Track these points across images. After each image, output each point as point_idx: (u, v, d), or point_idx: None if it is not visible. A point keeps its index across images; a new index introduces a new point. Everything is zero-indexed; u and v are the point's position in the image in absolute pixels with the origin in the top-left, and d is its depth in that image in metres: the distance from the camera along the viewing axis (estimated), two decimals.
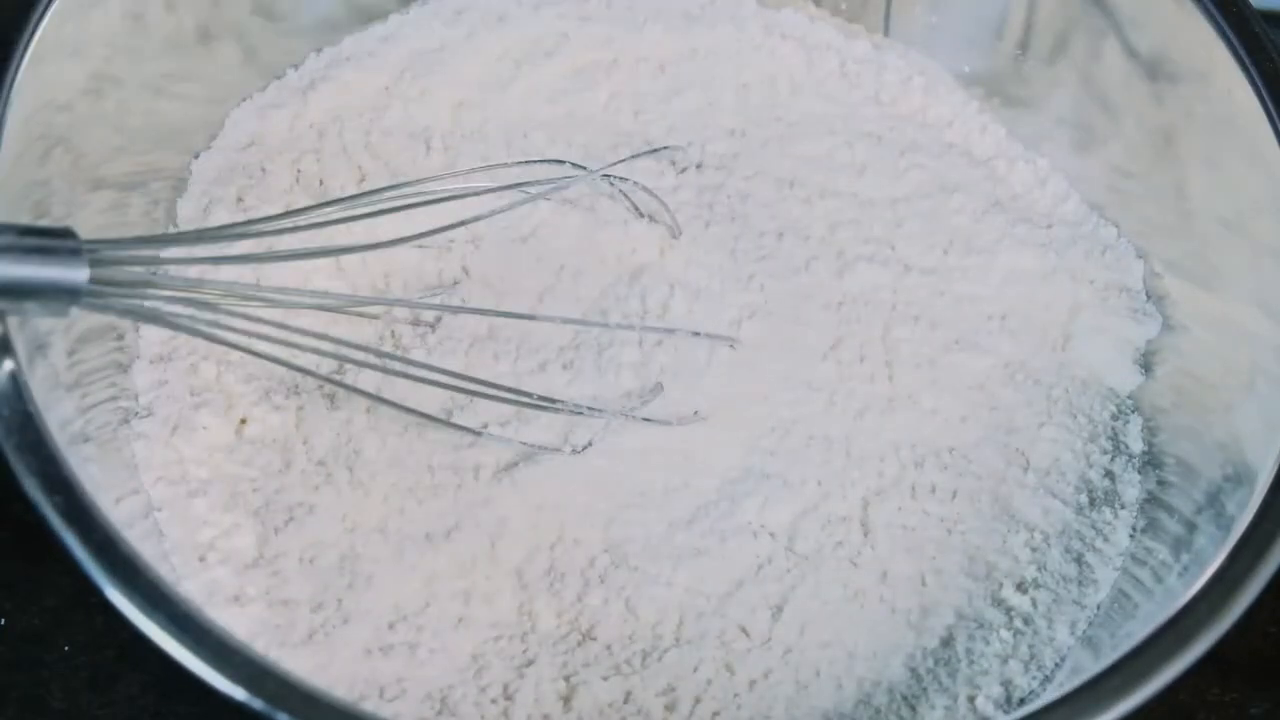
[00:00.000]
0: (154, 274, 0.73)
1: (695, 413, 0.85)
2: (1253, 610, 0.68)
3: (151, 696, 0.81)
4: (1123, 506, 0.85)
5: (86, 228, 0.68)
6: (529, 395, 0.82)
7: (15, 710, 0.80)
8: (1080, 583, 0.82)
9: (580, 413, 0.83)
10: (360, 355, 0.81)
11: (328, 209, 0.82)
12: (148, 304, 0.71)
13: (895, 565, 0.82)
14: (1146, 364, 0.90)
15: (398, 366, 0.81)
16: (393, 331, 0.87)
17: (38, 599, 0.83)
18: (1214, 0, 0.85)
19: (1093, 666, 0.68)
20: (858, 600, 0.81)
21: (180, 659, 0.62)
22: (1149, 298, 0.92)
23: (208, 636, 0.62)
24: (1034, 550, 0.83)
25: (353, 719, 0.63)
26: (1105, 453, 0.87)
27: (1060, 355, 0.90)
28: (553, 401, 0.83)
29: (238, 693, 0.61)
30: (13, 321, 0.68)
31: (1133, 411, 0.89)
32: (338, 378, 0.83)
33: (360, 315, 0.87)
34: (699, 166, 0.95)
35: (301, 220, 0.80)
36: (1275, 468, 0.73)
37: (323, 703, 0.62)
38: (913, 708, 0.78)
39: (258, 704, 0.61)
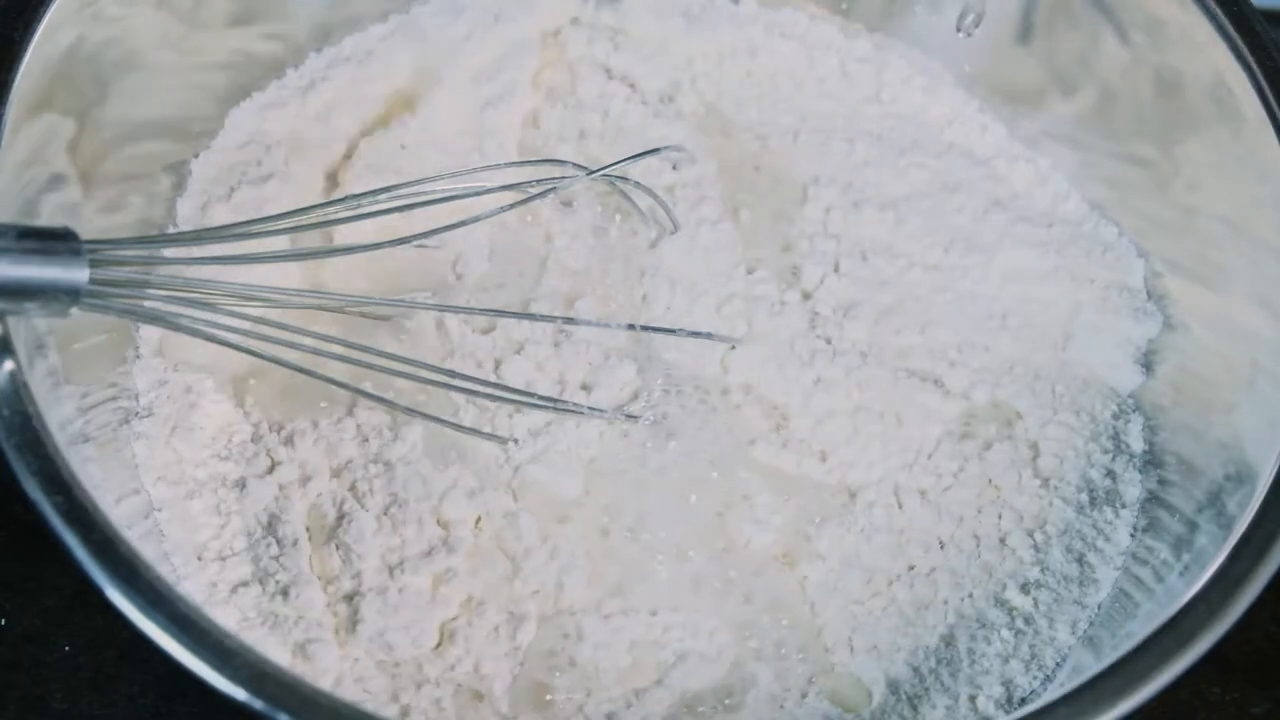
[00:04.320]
0: (154, 274, 0.73)
1: (696, 410, 0.86)
2: (1254, 609, 0.68)
3: (152, 697, 0.81)
4: (1124, 506, 0.84)
5: (86, 227, 0.68)
6: (531, 395, 0.83)
7: (15, 710, 0.80)
8: (1081, 582, 0.82)
9: (581, 412, 0.83)
10: (360, 355, 0.81)
11: (328, 209, 0.82)
12: (147, 304, 0.71)
13: (897, 564, 0.82)
14: (1148, 363, 0.90)
15: (398, 367, 0.81)
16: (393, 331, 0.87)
17: (38, 599, 0.83)
18: (1214, 0, 0.85)
19: (1093, 666, 0.68)
20: (860, 598, 0.81)
21: (181, 659, 0.62)
22: (1150, 297, 0.92)
23: (208, 636, 0.62)
24: (1036, 550, 0.83)
25: (353, 718, 0.63)
26: (1106, 452, 0.87)
27: (1061, 354, 0.90)
28: (555, 400, 0.83)
29: (238, 693, 0.61)
30: (13, 321, 0.68)
31: (1134, 410, 0.88)
32: (338, 378, 0.82)
33: (361, 315, 0.87)
34: (695, 165, 0.95)
35: (302, 220, 0.80)
36: (1276, 467, 0.73)
37: (323, 703, 0.62)
38: (914, 707, 0.78)
39: (258, 704, 0.61)
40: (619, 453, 0.84)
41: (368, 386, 0.83)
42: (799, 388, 0.86)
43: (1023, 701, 0.77)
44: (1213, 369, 0.85)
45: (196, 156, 0.91)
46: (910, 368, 0.88)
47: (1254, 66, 0.83)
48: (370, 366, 0.81)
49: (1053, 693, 0.75)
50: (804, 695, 0.78)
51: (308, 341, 0.78)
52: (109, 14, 0.82)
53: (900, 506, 0.84)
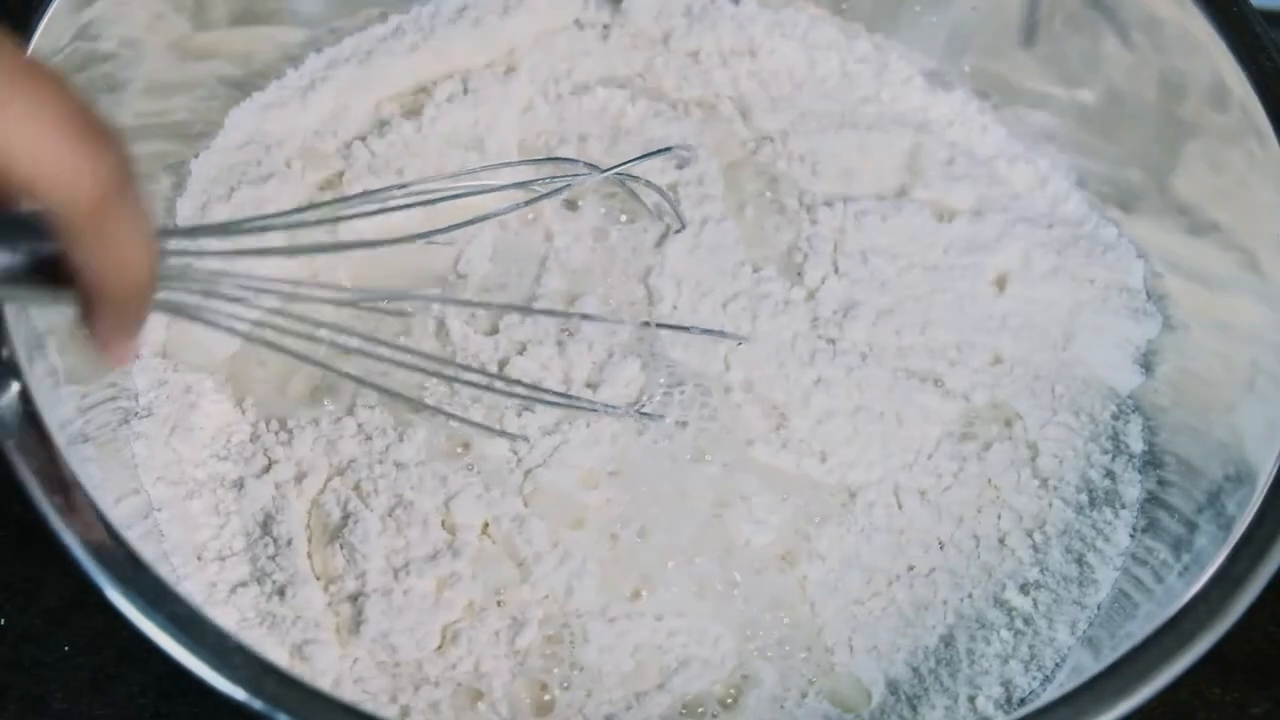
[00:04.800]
0: (171, 266, 0.72)
1: (701, 409, 0.86)
2: (1254, 609, 0.68)
3: (152, 697, 0.81)
4: (1123, 506, 0.84)
5: None
6: (544, 390, 0.83)
7: (15, 710, 0.80)
8: (1081, 583, 0.82)
9: (595, 409, 0.83)
10: (384, 351, 0.81)
11: (341, 204, 0.82)
12: (171, 297, 0.70)
13: (896, 564, 0.82)
14: (1147, 363, 0.90)
15: (417, 362, 0.81)
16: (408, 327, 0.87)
17: (38, 599, 0.83)
18: (1214, 0, 0.85)
19: (1093, 666, 0.68)
20: (860, 598, 0.81)
21: (180, 659, 0.62)
22: (1150, 297, 0.91)
23: (208, 636, 0.62)
24: (1035, 550, 0.83)
25: (353, 719, 0.63)
26: (1106, 452, 0.87)
27: (1061, 354, 0.90)
28: (567, 397, 0.83)
29: (238, 693, 0.61)
30: (11, 320, 0.68)
31: (1133, 411, 0.88)
32: (359, 375, 0.82)
33: (379, 311, 0.86)
34: (698, 163, 0.95)
35: (314, 215, 0.80)
36: (1276, 467, 0.73)
37: (323, 703, 0.62)
38: (914, 707, 0.78)
39: (258, 704, 0.61)
40: (626, 454, 0.84)
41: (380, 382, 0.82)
42: (799, 387, 0.86)
43: (1022, 702, 0.77)
44: (1213, 369, 0.85)
45: (196, 156, 0.91)
46: (910, 368, 0.88)
47: (1254, 66, 0.83)
48: (390, 361, 0.81)
49: (1052, 693, 0.75)
50: (804, 695, 0.78)
51: (330, 337, 0.77)
52: (109, 15, 0.82)
53: (900, 507, 0.84)
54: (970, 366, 0.88)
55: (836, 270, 0.91)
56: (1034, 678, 0.78)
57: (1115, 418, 0.88)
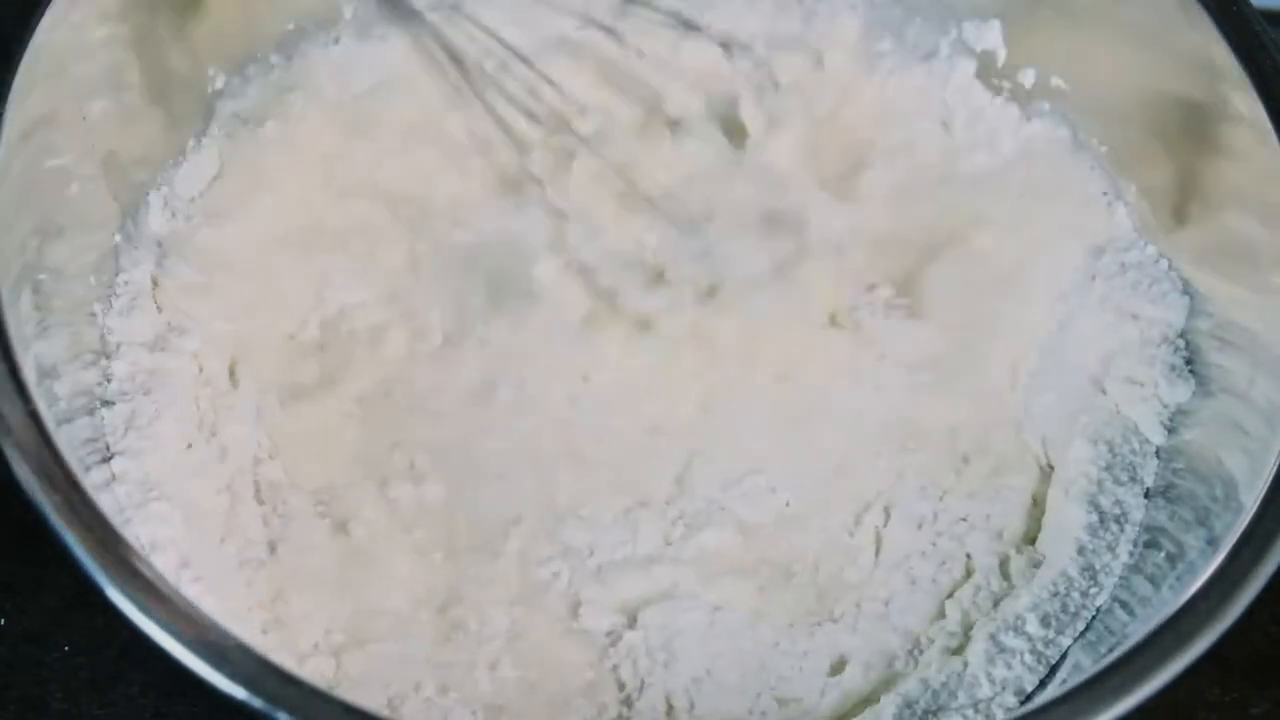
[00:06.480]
0: None
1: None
2: (1253, 610, 0.68)
3: (152, 697, 0.81)
4: (1129, 524, 0.82)
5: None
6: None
7: (15, 710, 0.80)
8: (1085, 593, 0.80)
9: None
10: None
11: None
12: None
13: (905, 584, 0.81)
14: (1173, 425, 0.85)
15: None
16: None
17: (38, 599, 0.83)
18: (1214, 0, 0.84)
19: (1093, 666, 0.68)
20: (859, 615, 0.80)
21: (181, 659, 0.62)
22: (1188, 346, 0.86)
23: (208, 636, 0.62)
24: (1050, 570, 0.81)
25: (353, 718, 0.63)
26: (1120, 484, 0.84)
27: (1096, 386, 0.87)
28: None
29: (238, 692, 0.61)
30: (11, 316, 0.68)
31: (1153, 454, 0.85)
32: None
33: None
34: None
35: None
36: (1275, 467, 0.72)
37: (323, 702, 0.62)
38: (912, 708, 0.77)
39: (258, 703, 0.61)
40: None
41: None
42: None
43: (1022, 701, 0.77)
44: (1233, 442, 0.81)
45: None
46: (937, 384, 0.88)
47: (1254, 66, 0.82)
48: None
49: (1052, 692, 0.75)
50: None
51: None
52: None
53: (914, 527, 0.83)
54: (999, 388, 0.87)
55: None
56: (1035, 677, 0.78)
57: (1134, 453, 0.85)
